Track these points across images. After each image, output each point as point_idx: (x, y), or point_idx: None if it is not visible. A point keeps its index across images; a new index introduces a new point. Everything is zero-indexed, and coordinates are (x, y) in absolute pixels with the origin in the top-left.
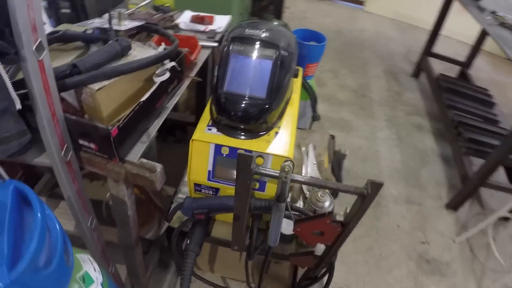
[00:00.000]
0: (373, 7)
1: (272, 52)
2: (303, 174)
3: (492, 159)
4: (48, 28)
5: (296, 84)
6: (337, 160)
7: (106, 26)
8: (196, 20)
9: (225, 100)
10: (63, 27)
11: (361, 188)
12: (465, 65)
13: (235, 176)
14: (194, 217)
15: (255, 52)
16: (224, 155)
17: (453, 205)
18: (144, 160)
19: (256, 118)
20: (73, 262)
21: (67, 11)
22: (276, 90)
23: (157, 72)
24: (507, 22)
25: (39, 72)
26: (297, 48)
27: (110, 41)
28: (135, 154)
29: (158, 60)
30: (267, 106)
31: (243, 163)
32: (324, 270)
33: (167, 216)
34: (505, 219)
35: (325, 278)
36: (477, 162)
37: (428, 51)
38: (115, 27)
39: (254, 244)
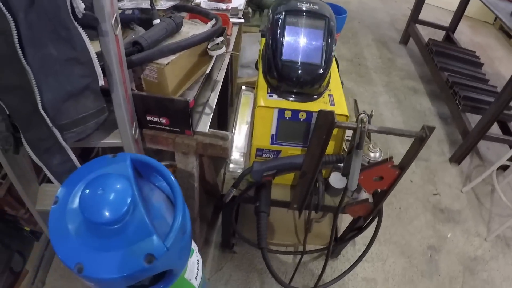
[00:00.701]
0: None
1: (322, 22)
2: None
3: (488, 114)
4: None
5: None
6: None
7: (143, 6)
8: None
9: (285, 67)
10: None
11: (420, 132)
12: (450, 29)
13: (298, 137)
14: (263, 179)
15: (308, 23)
16: (287, 118)
17: (456, 159)
18: (215, 130)
19: (313, 83)
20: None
21: None
22: (328, 57)
23: (209, 47)
24: None
25: (116, 47)
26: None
27: (157, 20)
28: (204, 125)
29: (212, 35)
30: (322, 71)
31: (323, 119)
32: (370, 218)
33: (234, 183)
34: (504, 169)
35: (373, 226)
36: (472, 119)
37: (415, 18)
38: (162, 6)
39: (319, 197)
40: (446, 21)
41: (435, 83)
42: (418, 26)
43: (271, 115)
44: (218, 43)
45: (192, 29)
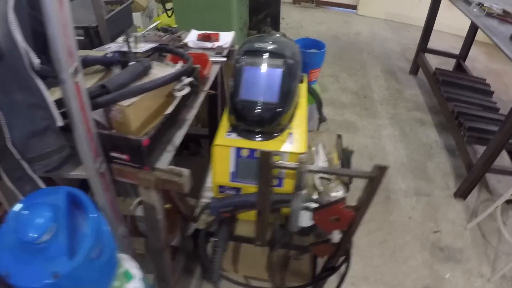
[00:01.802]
0: (366, 10)
1: (280, 61)
2: (315, 176)
3: (493, 145)
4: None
5: (302, 89)
6: (345, 157)
7: (124, 49)
8: (203, 38)
9: (242, 107)
10: (81, 53)
11: (369, 172)
12: (461, 57)
13: (255, 175)
14: (220, 216)
15: (265, 62)
16: (245, 157)
17: (461, 193)
18: (172, 166)
19: (271, 121)
20: (117, 258)
21: (82, 38)
22: (286, 95)
23: (176, 87)
24: (493, 11)
25: (76, 92)
26: (301, 56)
27: (132, 63)
28: (164, 161)
29: (178, 77)
30: (279, 109)
31: (264, 160)
32: (342, 259)
33: (195, 217)
34: None
35: (344, 267)
36: (480, 150)
37: (423, 48)
38: (133, 50)
39: (276, 236)
40: (459, 48)
41: (442, 114)
42: (430, 56)
43: (228, 154)
44: (186, 84)
45: (161, 71)
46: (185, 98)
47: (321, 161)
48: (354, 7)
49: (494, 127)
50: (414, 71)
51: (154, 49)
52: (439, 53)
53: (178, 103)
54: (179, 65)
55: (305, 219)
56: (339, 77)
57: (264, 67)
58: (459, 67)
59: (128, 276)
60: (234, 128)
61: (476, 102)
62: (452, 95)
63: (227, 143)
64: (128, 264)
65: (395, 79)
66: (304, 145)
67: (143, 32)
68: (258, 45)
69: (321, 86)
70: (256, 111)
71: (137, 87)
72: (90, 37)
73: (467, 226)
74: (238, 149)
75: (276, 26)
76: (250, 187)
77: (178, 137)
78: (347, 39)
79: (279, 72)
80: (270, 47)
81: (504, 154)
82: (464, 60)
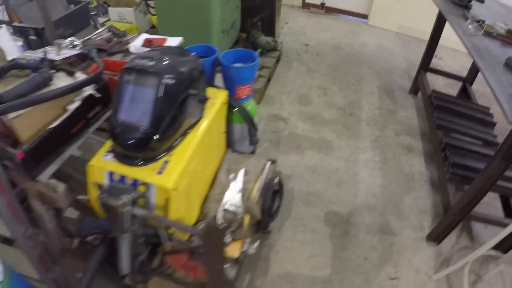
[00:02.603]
0: (377, 20)
1: (155, 81)
2: (223, 202)
3: (474, 187)
4: (15, 54)
5: (211, 108)
6: (265, 189)
7: (49, 56)
8: (146, 44)
9: (114, 127)
10: (27, 53)
11: (196, 229)
12: (467, 80)
13: None
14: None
15: (139, 82)
16: (116, 181)
17: (435, 237)
18: (51, 180)
19: (140, 147)
20: None
21: (34, 37)
22: (161, 119)
23: (75, 99)
24: (494, 31)
25: None
26: (200, 74)
27: (34, 74)
28: (46, 174)
29: (72, 90)
30: (150, 134)
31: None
32: None
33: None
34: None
35: None
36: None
37: (425, 66)
38: (54, 57)
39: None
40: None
41: (431, 142)
42: (438, 77)
43: (102, 175)
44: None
45: (64, 82)
46: (84, 111)
47: (234, 191)
48: (365, 16)
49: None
50: (414, 91)
51: (75, 56)
52: (443, 73)
53: (69, 116)
54: (83, 76)
55: None
56: (329, 90)
57: (138, 87)
58: (464, 92)
59: None
60: (113, 149)
61: (473, 134)
62: (445, 122)
63: (99, 164)
64: None
65: (391, 98)
66: (174, 178)
67: (92, 35)
68: (137, 61)
69: (304, 98)
70: (126, 134)
71: (27, 100)
72: (41, 37)
73: (433, 276)
74: (110, 173)
75: (271, 30)
76: None
77: (72, 151)
78: (350, 49)
79: (152, 93)
80: (147, 64)
81: (495, 199)
82: (471, 84)
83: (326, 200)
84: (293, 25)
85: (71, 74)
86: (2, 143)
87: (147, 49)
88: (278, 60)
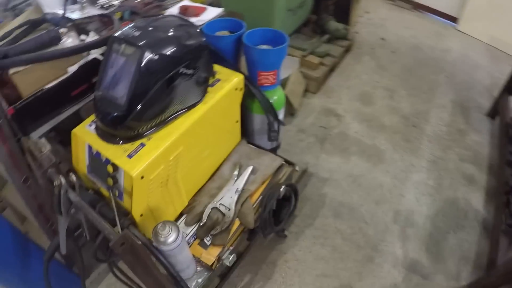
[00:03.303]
0: (467, 26)
1: (135, 54)
2: (216, 198)
3: None
4: (55, 8)
5: (217, 92)
6: (267, 197)
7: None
8: (182, 11)
9: (95, 100)
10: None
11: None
12: None
13: (102, 176)
14: None
15: (123, 53)
16: (95, 153)
17: None
18: (41, 140)
19: (114, 124)
20: None
21: None
22: (141, 96)
23: (80, 62)
24: None
25: None
26: (202, 52)
27: (43, 32)
28: (38, 132)
29: (74, 52)
30: (126, 112)
31: None
32: None
33: None
34: None
35: None
36: None
37: (508, 87)
38: (74, 15)
39: None
40: None
41: (497, 179)
42: None
43: (83, 145)
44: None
45: (74, 42)
46: (88, 74)
47: (231, 190)
48: (454, 19)
49: None
50: (492, 113)
51: (93, 17)
52: None
53: (67, 79)
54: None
55: None
56: (396, 93)
57: (120, 59)
58: None
59: None
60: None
61: None
62: None
63: (81, 134)
64: None
65: (464, 116)
66: (142, 165)
67: None
68: (126, 31)
69: (367, 97)
70: (102, 108)
71: (26, 57)
72: None
73: None
74: (89, 145)
75: (345, 16)
76: (102, 189)
77: (69, 112)
78: (430, 53)
79: (132, 67)
80: (133, 35)
81: None
82: None
83: (359, 217)
84: (373, 16)
85: (86, 34)
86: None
87: (183, 16)
88: (347, 51)
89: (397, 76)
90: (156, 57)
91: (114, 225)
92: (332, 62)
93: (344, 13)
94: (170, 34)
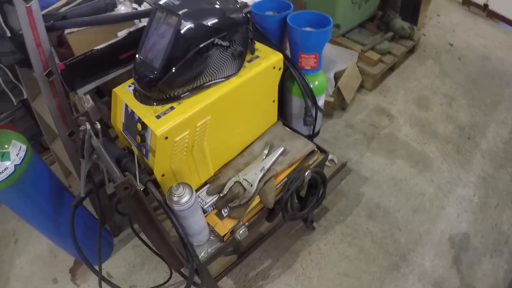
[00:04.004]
0: None
1: (173, 21)
2: (242, 173)
3: None
4: None
5: (253, 68)
6: (291, 180)
7: None
8: None
9: (135, 63)
10: None
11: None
12: None
13: (133, 134)
14: None
15: (164, 21)
16: (129, 113)
17: None
18: (86, 96)
19: (148, 86)
20: None
21: None
22: (175, 61)
23: (130, 29)
24: None
25: (26, 14)
26: (239, 26)
27: None
28: (84, 89)
29: (124, 19)
30: (159, 75)
31: None
32: None
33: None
34: None
35: None
36: None
37: None
38: None
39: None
40: None
41: None
42: None
43: (122, 104)
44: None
45: (128, 10)
46: (134, 40)
47: (257, 167)
48: None
49: None
50: None
51: None
52: None
53: (115, 43)
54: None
55: None
56: (455, 101)
57: (160, 26)
58: None
59: (6, 157)
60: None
61: None
62: None
63: (119, 93)
64: (14, 151)
65: None
66: (168, 126)
67: None
68: (168, 0)
69: (424, 101)
70: (139, 70)
71: (79, 21)
72: None
73: None
74: (126, 104)
75: (413, 16)
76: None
77: (115, 74)
78: (499, 65)
79: (169, 34)
80: (175, 3)
81: None
82: None
83: (393, 222)
84: (444, 19)
85: (139, 4)
86: (56, 54)
87: None
88: (411, 51)
89: (459, 84)
90: (192, 25)
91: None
92: (392, 61)
93: (412, 12)
94: (208, 6)
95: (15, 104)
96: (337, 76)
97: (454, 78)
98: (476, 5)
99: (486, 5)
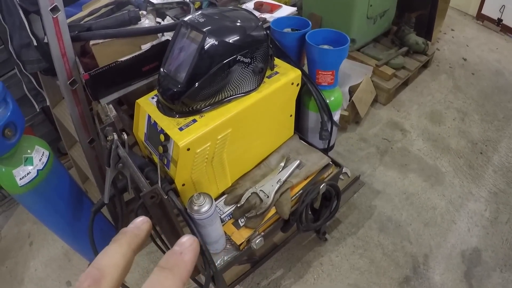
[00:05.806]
0: None
1: (198, 38)
2: (258, 185)
3: None
4: None
5: (272, 84)
6: (306, 192)
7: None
8: (256, 6)
9: (159, 76)
10: None
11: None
12: None
13: (155, 145)
14: None
15: (188, 37)
16: (153, 123)
17: None
18: (109, 105)
19: (172, 99)
20: (17, 140)
21: None
22: (198, 76)
23: (153, 42)
24: None
25: (53, 25)
26: (260, 44)
27: (125, 11)
28: (107, 99)
29: (148, 32)
30: (183, 89)
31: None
32: None
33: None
34: None
35: None
36: None
37: None
38: (154, 0)
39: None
40: None
41: None
42: None
43: (144, 115)
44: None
45: (151, 24)
46: (157, 53)
47: (274, 178)
48: None
49: None
50: None
51: (172, 3)
52: None
53: (139, 55)
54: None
55: None
56: (468, 116)
57: (185, 42)
58: None
59: (29, 162)
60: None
61: None
62: None
63: (143, 105)
64: (37, 156)
65: None
66: (191, 138)
67: None
68: (194, 17)
69: (437, 116)
70: (163, 83)
71: (104, 32)
72: None
73: None
74: (149, 115)
75: (427, 31)
76: (154, 155)
77: (137, 85)
78: None
79: (194, 49)
80: (200, 21)
81: None
82: None
83: (404, 235)
84: (458, 34)
85: (163, 18)
86: (81, 64)
87: (255, 11)
88: (425, 66)
89: (472, 99)
90: (216, 42)
91: None
92: (406, 76)
93: (426, 27)
94: (232, 23)
95: (38, 110)
96: (351, 90)
97: (467, 93)
98: (490, 20)
99: (500, 20)
